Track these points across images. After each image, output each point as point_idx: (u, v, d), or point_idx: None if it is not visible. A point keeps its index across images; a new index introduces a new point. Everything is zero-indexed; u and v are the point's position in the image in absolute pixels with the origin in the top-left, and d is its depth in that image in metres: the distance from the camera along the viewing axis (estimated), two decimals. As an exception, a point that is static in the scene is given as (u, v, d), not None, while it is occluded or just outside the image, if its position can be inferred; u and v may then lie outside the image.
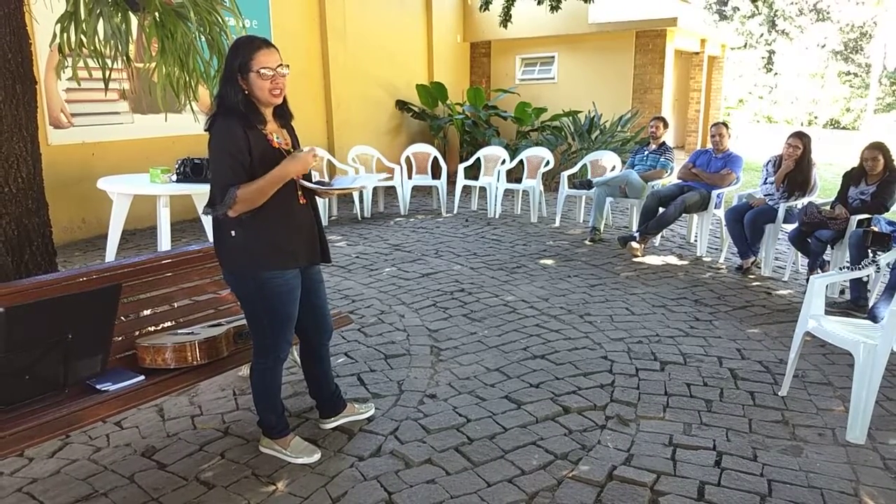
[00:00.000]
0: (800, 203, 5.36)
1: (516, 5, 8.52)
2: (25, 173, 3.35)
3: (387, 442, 2.87)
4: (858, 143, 8.80)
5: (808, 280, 3.61)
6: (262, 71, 2.36)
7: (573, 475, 2.62)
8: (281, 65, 2.41)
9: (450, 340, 4.06)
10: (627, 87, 11.06)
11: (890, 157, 4.87)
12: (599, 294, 4.97)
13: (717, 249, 6.24)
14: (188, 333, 2.86)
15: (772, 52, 29.00)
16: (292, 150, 2.57)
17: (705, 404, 3.22)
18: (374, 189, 8.41)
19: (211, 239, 2.71)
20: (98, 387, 2.53)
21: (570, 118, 10.22)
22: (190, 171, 5.24)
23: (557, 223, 7.63)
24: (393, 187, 8.34)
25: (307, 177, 2.65)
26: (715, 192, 6.06)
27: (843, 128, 27.18)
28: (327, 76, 9.28)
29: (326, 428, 2.97)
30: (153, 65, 3.70)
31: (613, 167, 7.57)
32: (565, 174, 7.55)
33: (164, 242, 5.14)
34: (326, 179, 2.59)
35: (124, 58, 3.65)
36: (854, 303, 4.63)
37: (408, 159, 8.56)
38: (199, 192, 5.22)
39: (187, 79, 3.72)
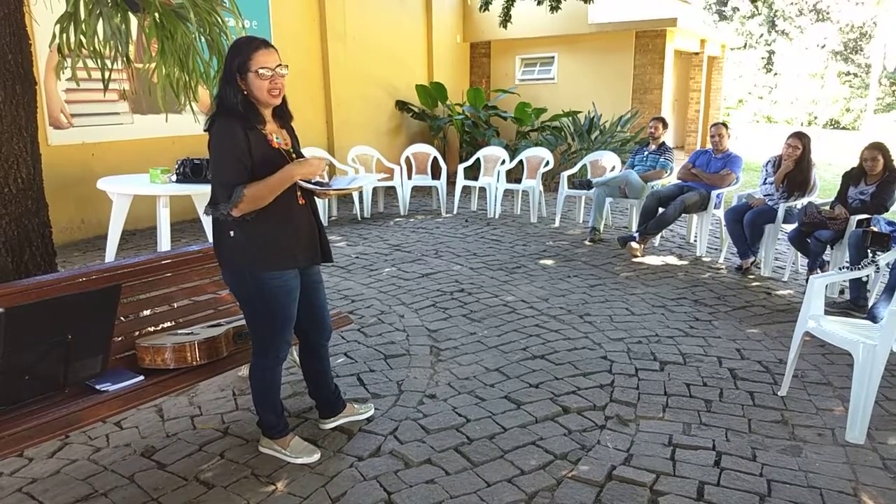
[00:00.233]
0: (799, 203, 5.36)
1: (516, 5, 8.52)
2: (25, 174, 3.35)
3: (386, 442, 2.87)
4: (858, 143, 8.80)
5: (807, 280, 3.61)
6: (261, 71, 2.36)
7: (573, 475, 2.62)
8: (280, 65, 2.41)
9: (449, 340, 4.06)
10: (627, 88, 11.07)
11: (889, 157, 4.87)
12: (599, 294, 4.98)
13: (716, 249, 6.24)
14: (188, 334, 2.86)
15: (771, 53, 29.02)
16: (292, 150, 2.57)
17: (705, 404, 3.22)
18: (374, 189, 8.41)
19: (210, 239, 2.71)
20: (98, 387, 2.53)
21: (570, 118, 10.23)
22: (190, 171, 5.24)
23: (557, 223, 7.63)
24: (393, 188, 8.34)
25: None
26: (714, 193, 6.07)
27: (843, 128, 27.18)
28: (327, 76, 9.28)
29: (326, 428, 2.97)
30: (153, 65, 3.70)
31: (613, 167, 7.57)
32: (565, 174, 7.56)
33: (164, 243, 5.15)
34: (325, 180, 2.59)
35: (124, 58, 3.65)
36: (853, 303, 4.63)
37: (407, 160, 8.56)
38: (199, 193, 5.22)
39: (187, 79, 3.72)
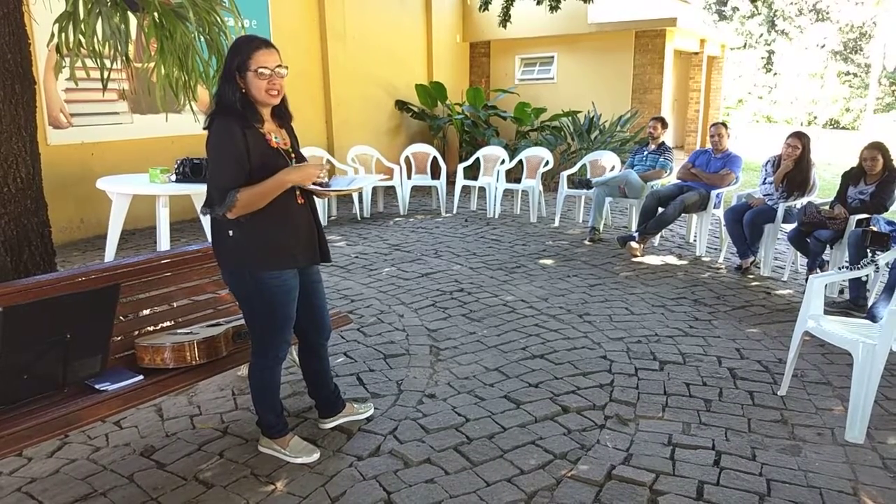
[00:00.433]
0: (799, 203, 5.36)
1: (515, 5, 8.52)
2: (24, 173, 3.35)
3: (386, 441, 2.87)
4: (858, 143, 8.80)
5: (807, 280, 3.61)
6: (260, 70, 2.36)
7: (572, 475, 2.62)
8: (280, 66, 2.41)
9: (449, 340, 4.06)
10: (627, 88, 11.06)
11: (889, 157, 4.87)
12: (599, 294, 4.98)
13: (716, 249, 6.24)
14: (187, 333, 2.86)
15: (771, 53, 29.02)
16: (291, 150, 2.57)
17: (704, 404, 3.22)
18: (374, 189, 8.41)
19: (210, 239, 2.71)
20: (97, 386, 2.53)
21: (570, 118, 10.22)
22: (189, 171, 5.24)
23: (557, 223, 7.63)
24: (392, 187, 8.34)
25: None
26: (714, 192, 6.07)
27: (843, 128, 27.19)
28: (327, 76, 9.28)
29: (325, 427, 2.97)
30: (152, 65, 3.70)
31: (613, 167, 7.57)
32: (565, 174, 7.55)
33: (164, 242, 5.15)
34: (325, 180, 2.59)
35: (123, 58, 3.64)
36: (853, 302, 4.63)
37: (407, 159, 8.55)
38: (199, 193, 5.22)
39: (186, 79, 3.71)
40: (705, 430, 2.97)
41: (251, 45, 2.39)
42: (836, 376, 3.52)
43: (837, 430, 2.96)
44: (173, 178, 5.29)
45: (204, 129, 2.42)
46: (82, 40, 3.48)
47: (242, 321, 2.92)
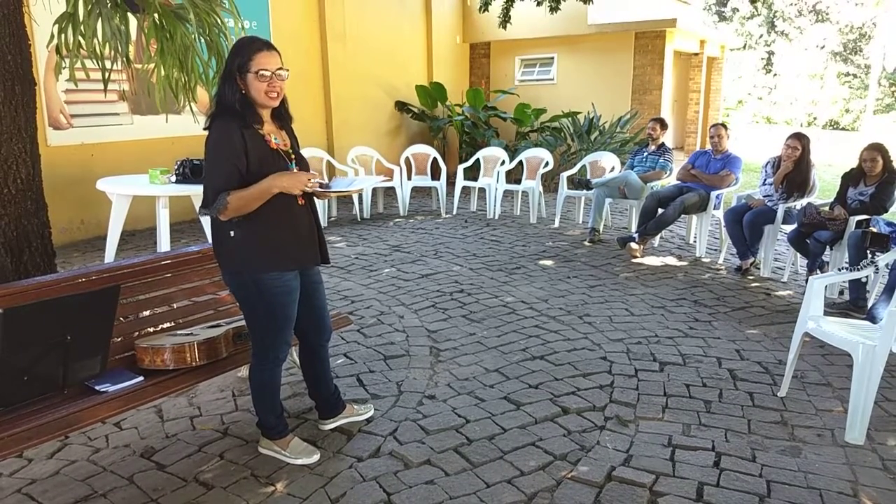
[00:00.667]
0: (799, 204, 5.36)
1: (516, 6, 8.53)
2: (24, 174, 3.35)
3: (386, 443, 2.87)
4: (857, 143, 8.81)
5: (807, 281, 3.61)
6: (261, 73, 2.37)
7: (572, 476, 2.62)
8: (280, 68, 2.41)
9: (449, 341, 4.06)
10: (627, 88, 11.07)
11: (889, 158, 4.88)
12: (598, 295, 4.98)
13: (716, 250, 6.24)
14: (187, 334, 2.86)
15: (771, 53, 29.02)
16: (291, 151, 2.57)
17: (704, 405, 3.22)
18: (374, 190, 8.41)
19: (210, 240, 2.71)
20: (97, 388, 2.53)
21: (570, 119, 10.23)
22: (189, 171, 5.24)
23: (557, 224, 7.63)
24: (392, 188, 8.34)
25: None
26: (714, 193, 6.07)
27: (843, 129, 27.19)
28: (327, 77, 9.29)
29: (325, 429, 2.97)
30: (152, 66, 3.70)
31: (612, 168, 7.57)
32: (564, 175, 7.56)
33: (164, 243, 5.15)
34: (325, 181, 2.59)
35: (123, 59, 3.65)
36: (853, 303, 4.63)
37: (407, 160, 8.56)
38: (199, 194, 5.14)
39: (186, 80, 3.71)
40: (705, 432, 2.97)
41: (252, 46, 2.39)
42: (836, 377, 3.52)
43: (837, 431, 2.96)
44: (173, 179, 5.29)
45: (204, 129, 2.43)
46: (82, 41, 3.48)
47: (243, 322, 2.93)
